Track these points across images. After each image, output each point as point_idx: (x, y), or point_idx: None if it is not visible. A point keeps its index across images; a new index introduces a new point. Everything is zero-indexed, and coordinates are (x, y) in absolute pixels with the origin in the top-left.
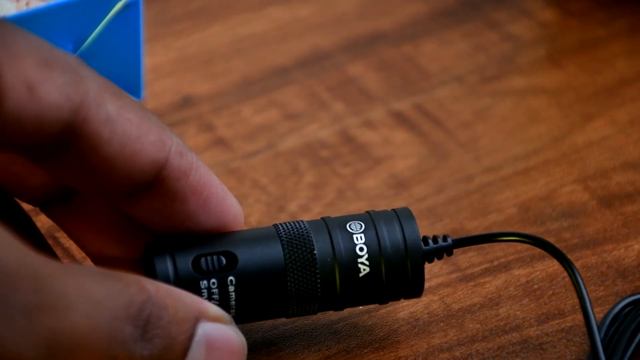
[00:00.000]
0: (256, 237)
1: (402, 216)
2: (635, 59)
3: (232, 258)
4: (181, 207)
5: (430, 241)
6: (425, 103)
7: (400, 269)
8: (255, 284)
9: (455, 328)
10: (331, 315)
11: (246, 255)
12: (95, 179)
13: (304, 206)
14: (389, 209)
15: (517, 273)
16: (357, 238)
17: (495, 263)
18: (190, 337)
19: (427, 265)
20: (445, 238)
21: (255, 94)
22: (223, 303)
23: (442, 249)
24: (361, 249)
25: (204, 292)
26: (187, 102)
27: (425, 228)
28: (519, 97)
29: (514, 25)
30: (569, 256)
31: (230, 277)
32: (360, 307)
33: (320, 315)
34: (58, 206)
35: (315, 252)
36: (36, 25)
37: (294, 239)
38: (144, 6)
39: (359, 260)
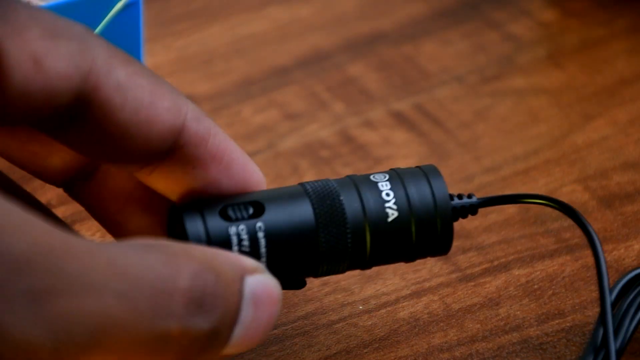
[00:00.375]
0: (280, 190)
1: (428, 171)
2: (635, 59)
3: (259, 207)
4: (202, 174)
5: (455, 198)
6: (425, 103)
7: (429, 219)
8: (283, 230)
9: (455, 328)
10: (331, 315)
11: (274, 204)
12: (111, 148)
13: None
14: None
15: (517, 273)
16: (382, 185)
17: (495, 263)
18: (240, 298)
19: (427, 265)
20: (470, 196)
21: (255, 94)
22: (253, 250)
23: (468, 207)
24: (387, 194)
25: (233, 239)
26: None
27: None
28: (519, 97)
29: (514, 25)
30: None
31: (259, 224)
32: (361, 307)
33: (320, 315)
34: (80, 184)
35: (341, 198)
36: None
37: (319, 189)
38: (144, 6)
39: (387, 205)
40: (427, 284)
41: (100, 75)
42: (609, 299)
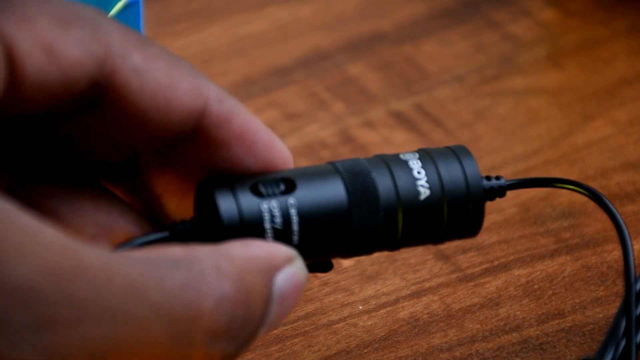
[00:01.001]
0: (311, 168)
1: (458, 151)
2: (635, 59)
3: (290, 184)
4: (227, 154)
5: (484, 179)
6: (425, 103)
7: (461, 199)
8: (316, 206)
9: (455, 328)
10: (331, 315)
11: (304, 181)
12: (131, 132)
13: None
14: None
15: (517, 273)
16: (412, 163)
17: (495, 263)
18: (268, 303)
19: (427, 265)
20: (498, 178)
21: (255, 94)
22: (285, 227)
23: (496, 189)
24: (419, 172)
25: (265, 215)
26: None
27: None
28: (519, 97)
29: (514, 25)
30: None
31: (291, 200)
32: (361, 307)
33: (320, 315)
34: (124, 179)
35: (373, 176)
36: None
37: (350, 166)
38: (144, 6)
39: (418, 183)
40: (427, 284)
41: (116, 60)
42: (635, 288)
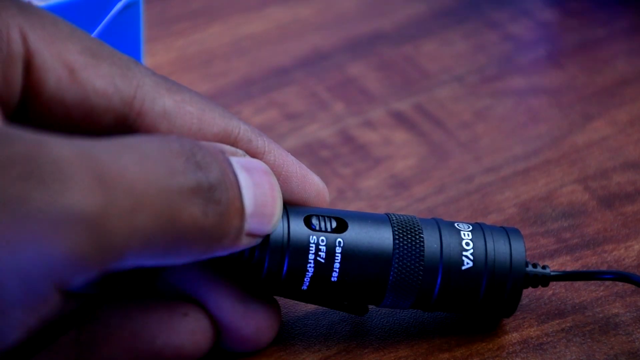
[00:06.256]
0: (366, 214)
1: (510, 232)
2: (635, 59)
3: (342, 223)
4: None
5: (530, 265)
6: (425, 103)
7: (500, 279)
8: (360, 251)
9: (456, 328)
10: (331, 315)
11: (357, 224)
12: None
13: None
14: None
15: None
16: (464, 234)
17: None
18: (230, 165)
19: None
20: (544, 267)
21: (255, 94)
22: (327, 263)
23: (540, 277)
24: (467, 244)
25: (311, 247)
26: None
27: None
28: (519, 97)
29: (514, 25)
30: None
31: (339, 239)
32: None
33: (320, 315)
34: None
35: (422, 236)
36: None
37: (403, 222)
38: (144, 6)
39: (464, 253)
40: None
41: (146, 102)
42: None
